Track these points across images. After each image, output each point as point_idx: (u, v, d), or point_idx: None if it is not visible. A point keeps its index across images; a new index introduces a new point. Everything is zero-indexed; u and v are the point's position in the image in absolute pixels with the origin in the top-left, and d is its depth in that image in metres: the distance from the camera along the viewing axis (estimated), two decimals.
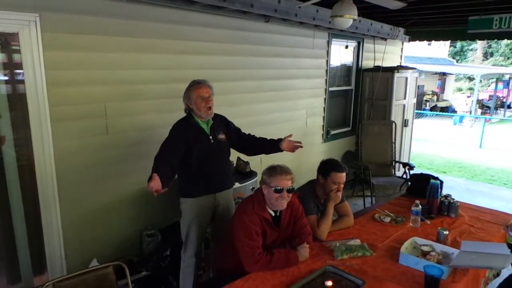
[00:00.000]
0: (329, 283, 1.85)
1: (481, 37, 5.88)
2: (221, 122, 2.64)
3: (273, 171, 2.14)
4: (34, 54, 2.41)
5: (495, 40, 17.54)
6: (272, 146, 2.71)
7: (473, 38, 5.94)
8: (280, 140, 2.69)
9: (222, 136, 2.57)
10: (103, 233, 2.93)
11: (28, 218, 2.65)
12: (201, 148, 2.47)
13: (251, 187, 3.36)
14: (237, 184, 3.05)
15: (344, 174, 2.53)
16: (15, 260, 2.66)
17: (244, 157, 3.55)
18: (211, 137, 2.52)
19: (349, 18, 3.03)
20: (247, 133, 2.81)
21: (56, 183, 2.62)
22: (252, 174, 3.48)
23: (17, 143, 2.57)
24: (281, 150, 2.69)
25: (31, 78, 2.44)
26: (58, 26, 2.49)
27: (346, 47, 5.30)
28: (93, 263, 2.74)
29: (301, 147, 2.70)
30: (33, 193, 2.60)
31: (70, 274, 2.00)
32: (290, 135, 2.68)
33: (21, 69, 2.43)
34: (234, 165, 3.52)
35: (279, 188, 2.09)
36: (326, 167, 2.56)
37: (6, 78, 2.53)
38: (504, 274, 2.44)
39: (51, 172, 2.59)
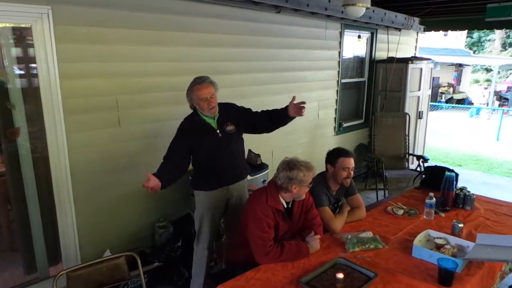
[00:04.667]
0: (340, 275, 1.84)
1: (499, 25, 5.70)
2: (228, 112, 2.55)
3: (305, 170, 2.09)
4: (47, 47, 2.44)
5: None
6: (280, 118, 2.56)
7: (491, 27, 5.76)
8: (286, 107, 2.51)
9: (230, 128, 2.52)
10: (116, 224, 2.97)
11: (43, 210, 2.70)
12: (210, 144, 2.46)
13: (262, 180, 3.35)
14: (248, 177, 3.04)
15: (351, 159, 2.53)
16: (31, 251, 2.72)
17: (255, 150, 3.55)
18: (218, 130, 2.49)
19: (362, 6, 2.97)
20: (259, 111, 2.65)
21: (70, 174, 2.66)
22: (263, 166, 3.46)
23: (32, 136, 2.61)
24: (292, 117, 2.54)
25: (44, 71, 2.47)
26: (70, 19, 2.51)
27: (359, 36, 5.21)
28: (106, 253, 2.78)
29: (304, 105, 2.48)
30: (47, 185, 2.64)
31: (83, 263, 2.03)
32: (294, 98, 2.49)
33: (35, 62, 2.46)
34: (245, 157, 3.51)
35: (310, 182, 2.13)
36: (333, 155, 2.57)
37: (21, 72, 2.57)
38: None
39: (65, 164, 2.63)
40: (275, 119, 2.60)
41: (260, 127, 2.67)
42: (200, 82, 2.42)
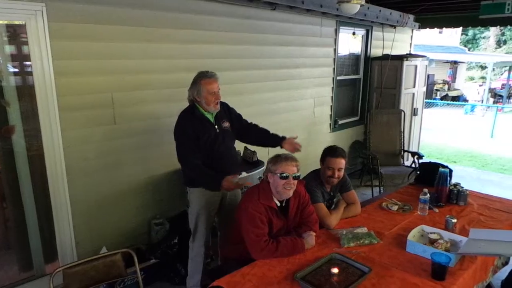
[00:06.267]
0: (335, 270, 1.85)
1: (493, 23, 5.75)
2: (224, 110, 2.61)
3: (278, 158, 2.14)
4: (41, 44, 2.43)
5: (508, 26, 17.08)
6: (273, 141, 2.68)
7: (485, 24, 5.81)
8: (283, 137, 2.65)
9: (226, 124, 2.57)
10: (112, 221, 2.97)
11: (39, 207, 2.70)
12: (208, 139, 2.47)
13: (258, 177, 3.36)
14: (244, 174, 3.06)
15: (338, 159, 2.51)
16: (27, 249, 2.72)
17: (252, 146, 3.56)
18: (216, 126, 2.52)
19: (356, 3, 2.99)
20: (249, 122, 2.78)
21: (65, 172, 2.66)
22: (259, 163, 3.48)
23: (27, 133, 2.60)
24: (281, 147, 2.64)
25: (39, 68, 2.46)
26: (64, 16, 2.50)
27: (353, 33, 5.22)
28: (102, 250, 2.78)
29: (299, 150, 2.61)
30: (43, 182, 2.64)
31: (80, 260, 2.03)
32: (296, 137, 2.64)
33: (29, 60, 2.44)
34: (241, 154, 3.52)
35: (284, 174, 2.07)
36: (323, 153, 2.60)
37: (16, 69, 2.56)
38: None
39: (60, 161, 2.62)
40: (264, 140, 2.74)
41: (246, 139, 2.80)
42: (210, 76, 2.44)
